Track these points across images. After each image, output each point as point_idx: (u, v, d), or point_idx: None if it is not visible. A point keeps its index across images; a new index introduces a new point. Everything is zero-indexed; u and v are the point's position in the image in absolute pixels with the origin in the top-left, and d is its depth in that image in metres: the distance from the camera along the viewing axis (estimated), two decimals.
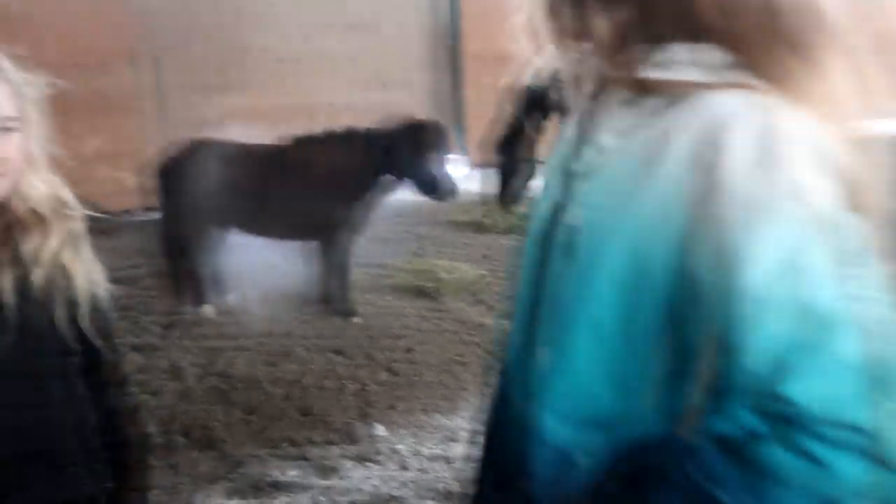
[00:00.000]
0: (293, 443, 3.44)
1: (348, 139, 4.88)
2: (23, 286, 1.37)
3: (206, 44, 8.90)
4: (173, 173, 4.78)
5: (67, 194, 1.48)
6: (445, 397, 3.89)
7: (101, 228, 5.72)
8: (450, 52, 10.67)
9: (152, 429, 3.51)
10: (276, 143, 5.03)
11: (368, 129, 4.87)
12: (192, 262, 4.94)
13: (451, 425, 3.60)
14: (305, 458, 3.32)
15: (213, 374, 4.12)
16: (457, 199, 5.27)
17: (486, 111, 10.75)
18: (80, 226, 1.49)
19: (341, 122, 8.71)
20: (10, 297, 1.34)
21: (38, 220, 1.40)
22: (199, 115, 8.89)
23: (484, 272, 5.66)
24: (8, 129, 1.33)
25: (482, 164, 10.57)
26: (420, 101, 10.59)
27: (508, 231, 6.91)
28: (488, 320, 4.83)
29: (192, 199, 4.69)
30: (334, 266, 4.98)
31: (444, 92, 10.79)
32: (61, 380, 1.44)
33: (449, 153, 5.00)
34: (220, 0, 8.94)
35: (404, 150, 4.67)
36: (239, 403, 3.83)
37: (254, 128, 8.19)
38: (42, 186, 1.42)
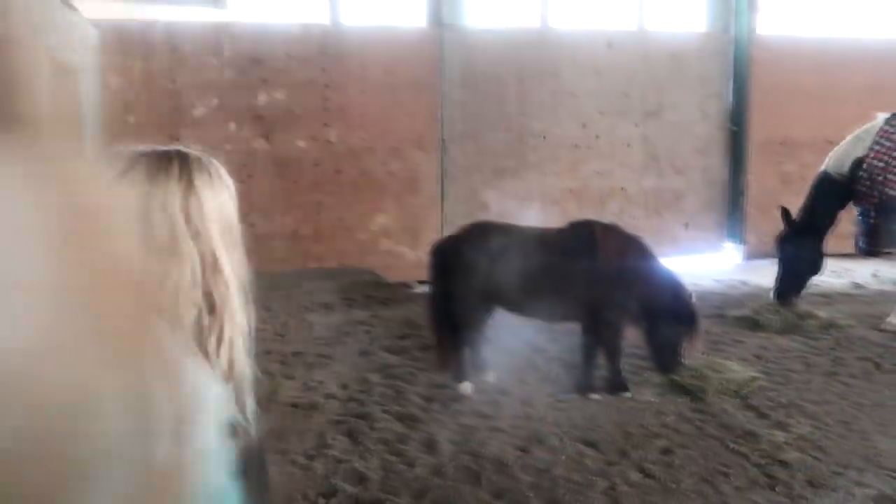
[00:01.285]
0: None
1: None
2: None
3: (492, 131, 9.43)
4: (451, 253, 5.06)
5: None
6: None
7: (380, 299, 6.21)
8: (732, 137, 10.25)
9: (405, 500, 3.66)
10: (553, 227, 5.19)
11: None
12: (459, 339, 5.14)
13: None
14: None
15: (466, 453, 4.20)
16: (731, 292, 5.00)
17: (767, 199, 10.17)
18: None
19: (629, 205, 8.74)
20: None
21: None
22: (480, 197, 9.42)
23: (756, 374, 5.21)
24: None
25: (759, 256, 9.93)
26: (698, 186, 10.26)
27: (786, 331, 6.34)
28: (758, 429, 4.42)
29: (467, 280, 4.93)
30: (606, 347, 5.01)
31: (723, 179, 10.35)
32: None
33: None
34: (506, 90, 9.44)
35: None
36: (487, 486, 3.84)
37: (537, 211, 8.51)
38: None
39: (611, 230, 5.05)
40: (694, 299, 4.95)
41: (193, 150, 1.45)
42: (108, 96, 8.15)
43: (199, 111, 8.41)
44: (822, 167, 6.66)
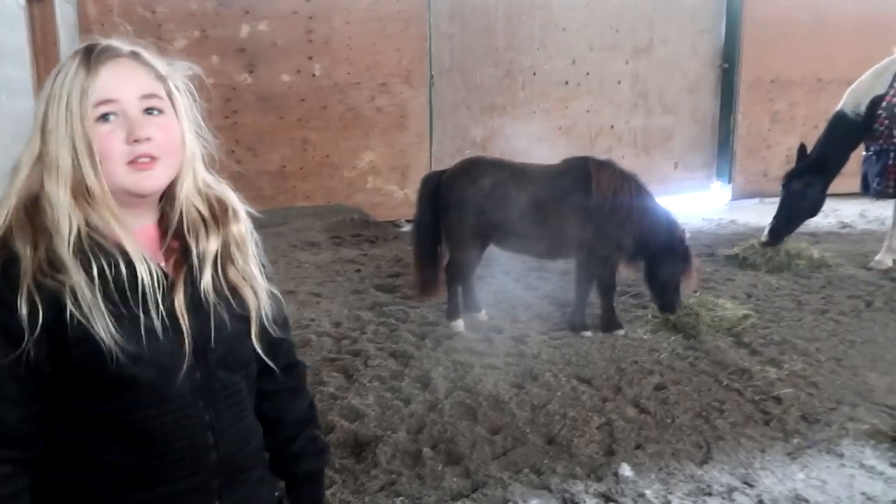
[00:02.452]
0: (536, 470, 3.38)
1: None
2: (194, 299, 1.30)
3: (480, 66, 9.23)
4: (443, 187, 4.98)
5: (231, 195, 1.39)
6: (699, 445, 3.61)
7: (369, 237, 6.16)
8: (723, 75, 10.12)
9: (402, 436, 3.66)
10: (547, 164, 5.12)
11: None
12: (450, 275, 5.10)
13: (704, 477, 3.33)
14: (548, 489, 3.24)
15: (461, 389, 4.19)
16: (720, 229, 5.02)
17: (756, 139, 10.12)
18: (244, 231, 1.38)
19: (618, 144, 8.66)
20: (185, 313, 1.27)
21: (201, 220, 1.33)
22: (468, 134, 9.28)
23: (748, 312, 5.23)
24: (155, 109, 1.26)
25: (748, 195, 9.93)
26: (688, 125, 10.18)
27: (776, 270, 6.36)
28: (751, 365, 4.45)
29: (460, 215, 4.87)
30: (601, 285, 5.00)
31: (713, 117, 10.27)
32: (247, 390, 1.40)
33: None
34: (495, 25, 9.22)
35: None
36: (484, 422, 3.85)
37: (525, 148, 8.39)
38: (201, 184, 1.35)
39: (605, 166, 4.97)
40: (687, 237, 4.92)
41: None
42: (87, 26, 7.86)
43: (180, 43, 8.13)
44: (839, 106, 6.42)
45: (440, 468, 3.41)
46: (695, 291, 5.41)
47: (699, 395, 4.13)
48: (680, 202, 9.28)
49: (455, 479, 3.32)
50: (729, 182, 10.17)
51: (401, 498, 3.20)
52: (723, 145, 10.22)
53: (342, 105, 8.67)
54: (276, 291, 1.46)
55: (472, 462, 3.45)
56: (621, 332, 4.95)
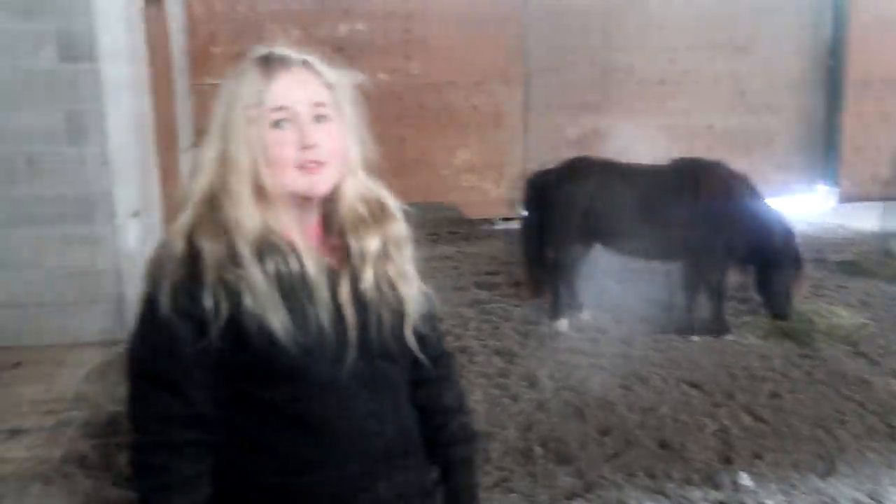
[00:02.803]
0: (650, 474, 3.34)
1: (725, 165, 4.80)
2: (357, 294, 1.34)
3: (576, 65, 9.15)
4: (550, 186, 4.96)
5: (388, 197, 1.44)
6: (820, 456, 3.49)
7: (464, 235, 6.18)
8: (829, 73, 9.73)
9: (512, 433, 3.66)
10: (656, 164, 5.03)
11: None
12: (554, 275, 5.07)
13: (828, 490, 3.22)
14: (664, 494, 3.19)
15: (567, 389, 4.17)
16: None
17: (864, 139, 9.69)
18: (402, 230, 1.43)
19: (716, 144, 8.41)
20: (350, 307, 1.32)
21: (361, 220, 1.37)
22: (564, 133, 9.21)
23: (865, 321, 5.02)
24: (324, 116, 1.31)
25: (855, 199, 9.52)
26: (791, 125, 9.84)
27: (893, 277, 6.08)
28: (872, 376, 4.27)
29: (566, 214, 4.84)
30: (710, 289, 4.88)
31: (817, 117, 9.88)
32: (404, 380, 1.44)
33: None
34: (592, 23, 9.12)
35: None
36: (593, 422, 3.82)
37: (621, 147, 8.28)
38: (361, 186, 1.39)
39: (716, 168, 4.86)
40: (797, 240, 4.76)
41: None
42: (193, 27, 8.15)
43: (281, 42, 8.33)
44: None
45: (551, 467, 3.41)
46: (805, 297, 5.23)
47: (817, 404, 4.00)
48: (782, 205, 8.97)
49: (567, 479, 3.31)
50: (835, 185, 9.76)
51: (514, 494, 3.21)
52: (828, 146, 9.82)
53: (438, 103, 8.72)
54: (428, 289, 1.50)
55: (583, 462, 3.44)
56: (730, 336, 4.83)
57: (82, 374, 4.03)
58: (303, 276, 1.27)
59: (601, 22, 9.14)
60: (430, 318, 1.49)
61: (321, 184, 1.31)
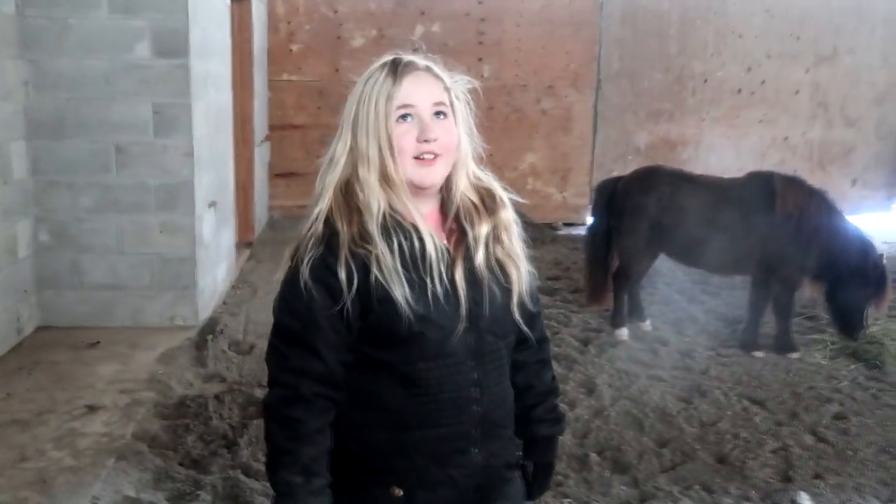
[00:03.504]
0: (707, 489, 3.31)
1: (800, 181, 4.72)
2: (470, 272, 1.48)
3: (650, 71, 9.06)
4: (620, 193, 4.96)
5: (497, 187, 1.58)
6: (885, 483, 3.41)
7: (527, 239, 6.19)
8: None
9: (569, 439, 3.68)
10: (729, 177, 4.99)
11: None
12: (618, 283, 5.06)
13: None
14: None
15: (626, 398, 4.16)
16: None
17: None
18: (510, 216, 1.57)
19: (791, 156, 8.21)
20: (463, 283, 1.46)
21: (474, 207, 1.52)
22: (633, 140, 9.13)
23: None
24: (442, 114, 1.47)
25: None
26: (870, 139, 9.54)
27: None
28: None
29: (635, 222, 4.83)
30: (778, 305, 4.80)
31: None
32: (507, 357, 1.57)
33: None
34: (668, 30, 9.02)
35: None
36: (651, 433, 3.80)
37: (691, 157, 8.15)
38: (473, 177, 1.54)
39: (792, 183, 4.77)
40: (884, 260, 4.63)
41: None
42: (275, 24, 8.38)
43: (357, 42, 8.51)
44: None
45: (607, 475, 3.41)
46: (877, 320, 5.09)
47: (884, 429, 3.90)
48: (857, 222, 8.71)
49: (623, 488, 3.31)
50: None
51: (568, 500, 3.23)
52: None
53: (508, 106, 8.77)
54: (533, 270, 1.64)
55: (639, 472, 3.43)
56: (796, 355, 4.74)
57: (155, 356, 4.23)
58: (423, 254, 1.43)
59: (677, 29, 9.04)
60: (534, 299, 1.63)
61: (432, 175, 1.47)
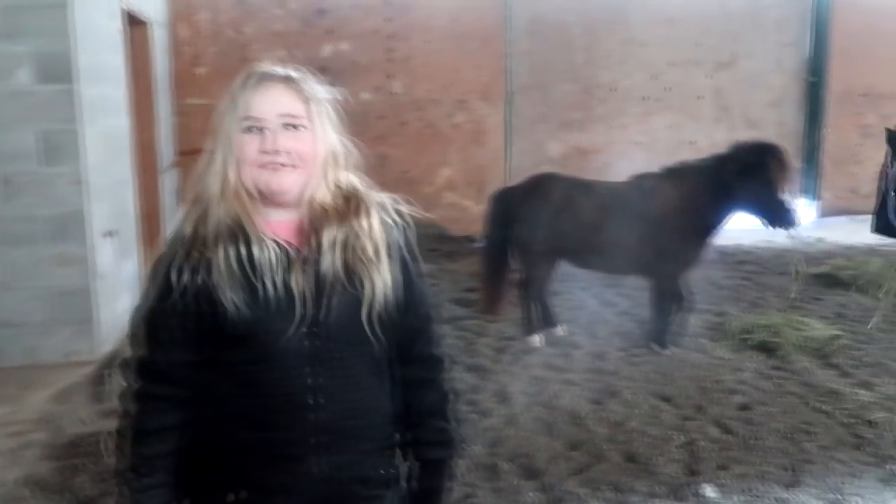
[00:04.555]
0: (616, 488, 3.33)
1: (693, 174, 4.81)
2: (318, 277, 1.48)
3: (559, 82, 9.22)
4: (513, 203, 4.99)
5: (366, 197, 1.56)
6: (785, 468, 3.49)
7: (445, 252, 6.18)
8: (809, 88, 9.81)
9: (480, 449, 3.66)
10: (618, 180, 5.08)
11: (715, 156, 4.78)
12: (524, 291, 5.09)
13: (791, 501, 3.22)
14: None
15: (538, 405, 4.17)
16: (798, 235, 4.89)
17: (844, 153, 9.76)
18: (372, 224, 1.54)
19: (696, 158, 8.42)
20: (298, 289, 1.46)
21: (326, 214, 1.52)
22: (546, 150, 9.26)
23: (838, 332, 5.04)
24: (295, 126, 1.48)
25: (835, 212, 9.58)
26: (772, 140, 9.88)
27: (866, 289, 6.10)
28: (842, 387, 4.28)
29: (529, 230, 4.87)
30: (663, 301, 4.90)
31: (798, 132, 9.94)
32: (366, 367, 1.54)
33: (792, 181, 4.79)
34: (574, 41, 9.19)
35: (753, 172, 4.54)
36: (562, 437, 3.82)
37: (603, 165, 8.30)
38: (335, 184, 1.54)
39: (664, 182, 4.88)
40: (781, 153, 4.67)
41: None
42: (178, 48, 8.21)
43: (265, 63, 8.39)
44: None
45: (517, 482, 3.40)
46: (780, 310, 5.25)
47: (786, 416, 4.01)
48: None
49: (532, 494, 3.30)
50: (815, 199, 9.82)
51: None
52: (809, 161, 9.88)
53: (420, 122, 8.78)
54: (427, 285, 1.64)
55: (549, 477, 3.43)
56: (670, 351, 4.84)
57: (49, 395, 4.03)
58: (256, 260, 1.46)
59: (584, 40, 9.23)
60: (417, 313, 1.59)
61: (279, 181, 1.48)
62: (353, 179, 1.57)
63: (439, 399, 1.65)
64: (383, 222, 1.56)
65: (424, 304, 1.61)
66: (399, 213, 1.59)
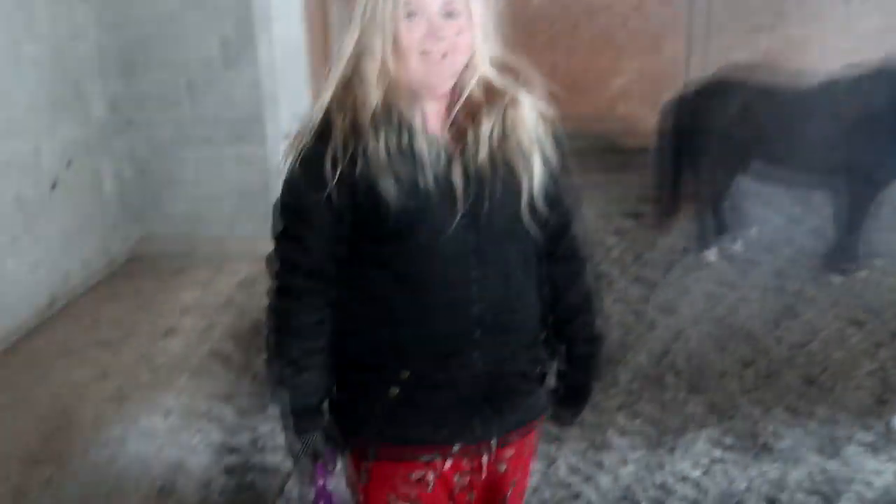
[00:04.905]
0: (791, 410, 3.13)
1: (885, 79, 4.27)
2: (471, 170, 1.44)
3: None
4: (688, 111, 4.66)
5: (514, 90, 1.48)
6: None
7: (617, 163, 5.92)
8: None
9: (644, 359, 3.55)
10: (804, 83, 4.57)
11: None
12: (701, 204, 4.80)
13: None
14: (804, 430, 2.98)
15: (710, 320, 3.97)
16: None
17: None
18: (523, 115, 1.48)
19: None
20: (459, 180, 1.42)
21: (479, 106, 1.46)
22: (732, 58, 8.58)
23: None
24: (454, 15, 1.40)
25: None
26: None
27: None
28: None
29: (706, 139, 4.54)
30: (857, 216, 4.44)
31: None
32: (519, 263, 1.52)
33: None
34: None
35: None
36: (733, 355, 3.62)
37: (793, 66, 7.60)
38: (490, 77, 1.46)
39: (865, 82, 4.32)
40: None
41: None
42: None
43: None
44: None
45: (682, 395, 3.28)
46: None
47: None
48: None
49: (699, 409, 3.17)
50: None
51: (640, 419, 3.12)
52: None
53: (594, 28, 8.38)
54: (574, 183, 1.59)
55: (717, 394, 3.28)
56: (863, 273, 4.38)
57: (235, 282, 4.33)
58: (416, 149, 1.40)
59: None
60: (562, 211, 1.55)
61: (439, 73, 1.43)
62: (505, 73, 1.50)
63: (584, 294, 1.65)
64: (535, 116, 1.50)
65: (571, 201, 1.59)
66: (548, 108, 1.53)
